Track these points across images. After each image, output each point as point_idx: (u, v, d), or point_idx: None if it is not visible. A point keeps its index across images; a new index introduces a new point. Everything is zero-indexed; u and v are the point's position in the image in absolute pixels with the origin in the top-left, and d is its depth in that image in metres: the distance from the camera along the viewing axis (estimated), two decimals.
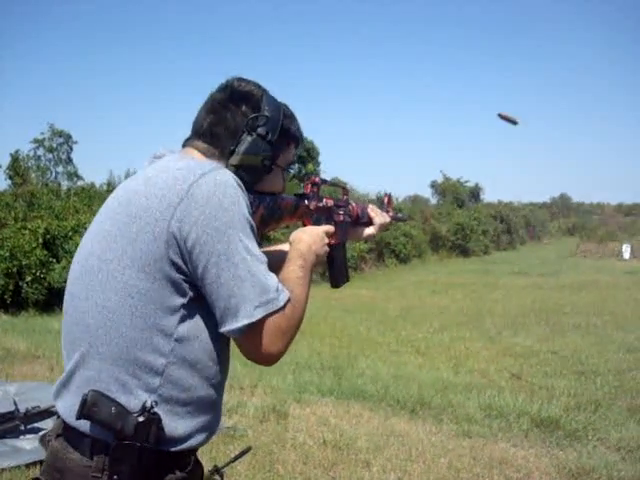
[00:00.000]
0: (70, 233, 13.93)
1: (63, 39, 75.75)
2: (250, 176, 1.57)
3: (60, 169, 31.21)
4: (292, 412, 5.56)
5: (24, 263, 12.76)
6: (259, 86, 1.65)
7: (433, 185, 50.28)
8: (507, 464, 4.55)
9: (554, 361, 8.59)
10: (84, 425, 1.39)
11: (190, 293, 1.41)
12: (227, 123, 1.58)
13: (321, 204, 1.89)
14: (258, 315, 1.38)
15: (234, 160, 1.55)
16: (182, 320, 1.41)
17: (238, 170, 1.54)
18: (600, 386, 7.08)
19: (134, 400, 1.38)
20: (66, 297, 1.53)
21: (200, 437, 1.49)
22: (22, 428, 4.62)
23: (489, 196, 69.17)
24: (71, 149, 31.66)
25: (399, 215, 2.45)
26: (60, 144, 31.25)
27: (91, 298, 1.42)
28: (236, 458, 2.00)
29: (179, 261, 1.38)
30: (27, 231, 13.37)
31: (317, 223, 1.84)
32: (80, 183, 27.24)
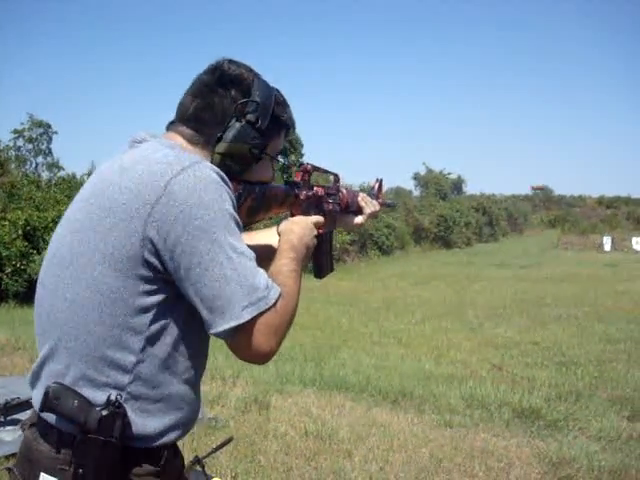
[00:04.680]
0: (51, 224, 13.81)
1: (41, 29, 75.15)
2: (238, 165, 1.50)
3: (40, 160, 31.03)
4: (274, 403, 5.55)
5: (4, 254, 12.68)
6: (250, 69, 1.55)
7: (416, 177, 50.39)
8: (488, 454, 4.56)
9: (535, 352, 8.65)
10: (51, 417, 1.36)
11: (164, 292, 1.35)
12: (215, 108, 1.49)
13: (311, 193, 1.81)
14: (247, 316, 1.31)
15: (221, 148, 1.47)
16: (155, 319, 1.35)
17: (225, 158, 1.48)
18: (581, 377, 7.13)
19: (101, 395, 1.34)
20: (38, 286, 1.47)
21: (173, 434, 1.44)
22: (2, 419, 4.58)
23: (471, 188, 69.34)
24: (50, 139, 31.46)
25: (388, 202, 2.39)
26: (40, 134, 31.03)
27: (60, 291, 1.37)
28: (217, 448, 1.98)
29: (154, 261, 1.32)
30: (7, 222, 13.27)
31: (306, 213, 1.76)
32: (61, 174, 27.04)
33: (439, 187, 46.53)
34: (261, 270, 1.37)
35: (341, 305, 12.96)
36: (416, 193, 47.42)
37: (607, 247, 36.03)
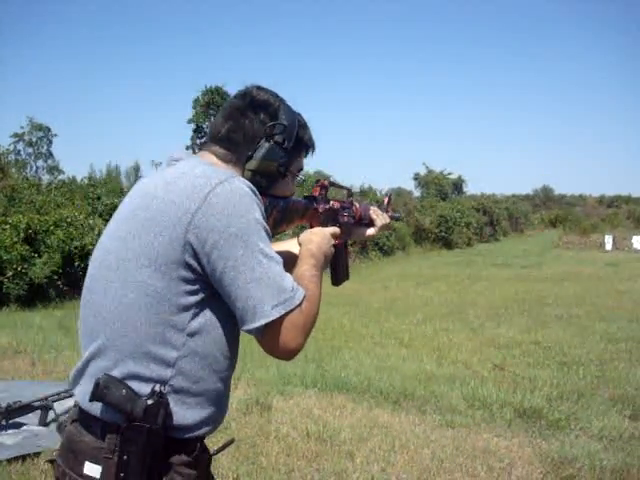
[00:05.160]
0: (52, 228, 13.81)
1: (41, 32, 75.21)
2: (266, 181, 1.66)
3: (40, 163, 31.11)
4: (275, 404, 5.56)
5: (5, 258, 12.64)
6: (277, 95, 1.73)
7: (416, 177, 50.44)
8: (490, 454, 4.56)
9: (537, 352, 8.62)
10: (96, 409, 1.49)
11: (203, 292, 1.50)
12: (245, 129, 1.65)
13: (328, 206, 1.99)
14: (276, 314, 1.46)
15: (251, 165, 1.64)
16: (195, 316, 1.49)
17: (254, 175, 1.64)
18: (582, 376, 7.12)
19: (145, 388, 1.46)
20: (84, 292, 1.61)
21: (206, 428, 1.57)
22: (3, 423, 4.59)
23: (472, 188, 69.37)
24: (50, 142, 31.55)
25: (396, 215, 2.53)
26: (40, 138, 31.13)
27: (109, 294, 1.51)
28: (219, 450, 1.99)
29: (194, 263, 1.46)
30: (8, 226, 13.24)
31: (324, 224, 1.93)
32: (61, 177, 27.08)
33: (439, 187, 46.59)
34: (287, 274, 1.53)
35: (342, 306, 12.93)
36: (417, 194, 47.54)
37: (608, 246, 36.01)
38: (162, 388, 1.46)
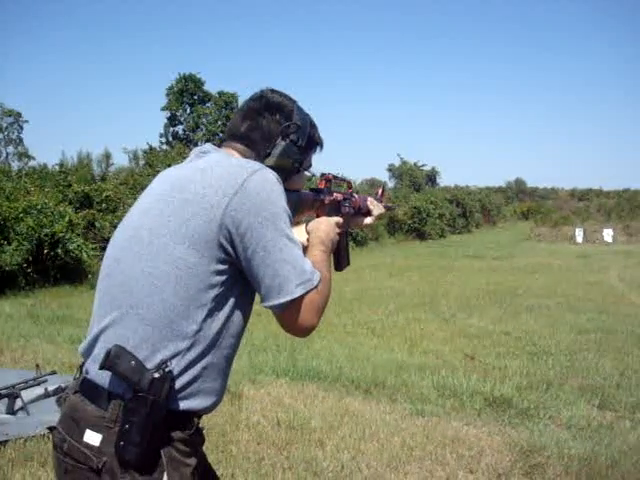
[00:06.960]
0: (21, 215, 13.60)
1: (10, 18, 74.10)
2: (281, 176, 1.74)
3: (11, 149, 30.76)
4: (246, 393, 5.55)
5: None
6: (290, 98, 1.87)
7: (390, 169, 50.57)
8: (460, 442, 4.58)
9: (507, 342, 8.70)
10: (103, 379, 1.57)
11: (230, 273, 1.61)
12: (262, 129, 1.80)
13: (332, 198, 2.15)
14: (299, 292, 1.59)
15: (269, 162, 1.77)
16: (217, 295, 1.60)
17: (272, 170, 1.72)
18: (552, 366, 7.19)
19: (155, 359, 1.54)
20: (109, 262, 1.70)
21: (207, 403, 1.65)
22: None
23: (445, 180, 69.61)
24: (21, 128, 31.21)
25: (390, 205, 2.67)
26: (10, 124, 30.78)
27: (138, 265, 1.60)
28: None
29: (226, 244, 1.58)
30: None
31: (329, 214, 2.08)
32: (31, 164, 26.77)
33: (413, 179, 46.74)
34: (306, 258, 1.67)
35: None
36: (390, 184, 47.57)
37: (579, 239, 36.35)
38: (169, 363, 1.54)
